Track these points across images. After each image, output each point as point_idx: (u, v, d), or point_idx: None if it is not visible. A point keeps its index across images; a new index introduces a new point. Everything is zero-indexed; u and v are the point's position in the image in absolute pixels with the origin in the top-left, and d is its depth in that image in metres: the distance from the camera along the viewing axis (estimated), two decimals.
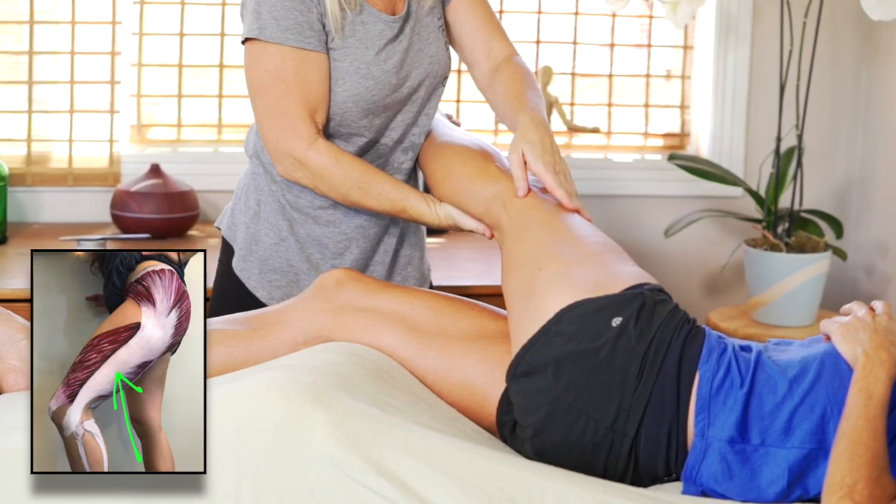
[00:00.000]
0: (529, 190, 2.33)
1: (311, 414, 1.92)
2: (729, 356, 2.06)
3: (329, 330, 2.26)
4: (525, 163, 2.34)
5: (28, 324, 2.28)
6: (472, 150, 2.47)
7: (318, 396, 1.95)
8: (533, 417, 2.08)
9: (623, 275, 2.16)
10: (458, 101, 3.99)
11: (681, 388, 2.04)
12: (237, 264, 2.57)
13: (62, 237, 3.46)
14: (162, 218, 3.54)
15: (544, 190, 2.36)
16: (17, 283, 3.14)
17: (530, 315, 2.13)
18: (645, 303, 2.09)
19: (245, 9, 2.41)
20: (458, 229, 2.45)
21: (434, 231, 3.61)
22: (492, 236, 2.40)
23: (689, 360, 2.06)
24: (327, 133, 2.46)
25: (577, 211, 2.32)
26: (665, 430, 2.04)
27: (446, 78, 2.56)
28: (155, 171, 3.62)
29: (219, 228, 2.67)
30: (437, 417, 2.12)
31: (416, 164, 2.60)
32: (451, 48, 2.58)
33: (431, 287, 2.76)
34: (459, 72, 3.94)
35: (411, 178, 2.60)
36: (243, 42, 2.42)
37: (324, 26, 2.38)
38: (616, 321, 2.07)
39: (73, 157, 3.76)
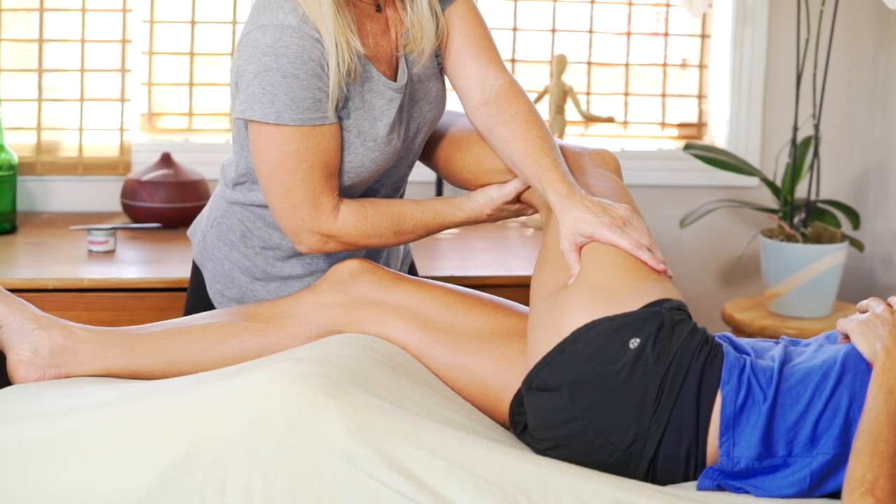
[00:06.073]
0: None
1: (324, 407, 1.91)
2: (748, 373, 2.02)
3: (342, 324, 2.24)
4: (579, 246, 2.16)
5: (42, 314, 2.26)
6: None
7: (330, 389, 1.93)
8: (547, 434, 2.06)
9: (645, 287, 2.10)
10: None
11: (700, 411, 2.01)
12: (214, 297, 2.50)
13: (72, 226, 3.45)
14: (173, 207, 3.52)
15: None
16: (27, 272, 3.12)
17: (548, 326, 2.09)
18: (663, 323, 2.04)
19: (246, 83, 2.21)
20: (499, 216, 2.34)
21: None
22: (534, 211, 2.35)
23: (709, 382, 2.02)
24: None
25: (665, 272, 2.15)
26: (684, 452, 2.01)
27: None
28: (166, 160, 3.60)
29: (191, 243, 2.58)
30: (453, 409, 2.11)
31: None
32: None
33: (413, 267, 2.73)
34: None
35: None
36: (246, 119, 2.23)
37: (337, 99, 2.24)
38: (634, 342, 2.03)
39: (84, 146, 3.75)
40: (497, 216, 2.37)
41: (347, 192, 2.33)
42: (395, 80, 2.31)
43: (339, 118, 2.26)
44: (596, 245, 2.14)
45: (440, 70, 2.39)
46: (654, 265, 2.13)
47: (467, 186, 2.40)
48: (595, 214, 2.14)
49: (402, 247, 2.63)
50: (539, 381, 2.06)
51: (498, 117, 2.30)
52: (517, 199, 2.34)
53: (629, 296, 2.07)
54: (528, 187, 2.31)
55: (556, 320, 2.08)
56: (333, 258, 2.44)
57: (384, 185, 2.41)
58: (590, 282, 2.10)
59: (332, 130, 2.24)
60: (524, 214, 2.38)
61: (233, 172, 2.42)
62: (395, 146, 2.32)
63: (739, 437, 1.98)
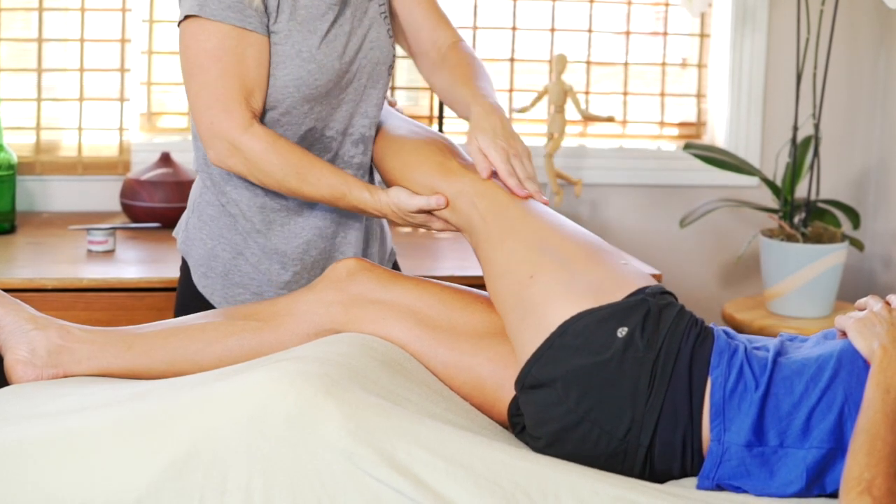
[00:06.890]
0: (494, 173, 2.27)
1: (323, 406, 1.90)
2: (740, 358, 2.02)
3: (340, 323, 2.24)
4: (481, 150, 2.28)
5: (38, 314, 2.26)
6: (430, 145, 2.38)
7: (329, 388, 1.93)
8: (544, 430, 2.05)
9: (623, 277, 2.11)
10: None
11: (693, 395, 2.01)
12: (199, 281, 2.51)
13: (71, 226, 3.45)
14: (172, 207, 3.52)
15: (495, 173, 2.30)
16: (26, 272, 3.12)
17: (531, 327, 2.09)
18: (650, 310, 2.05)
19: None
20: (404, 221, 2.35)
21: None
22: (446, 228, 2.34)
23: (699, 365, 2.03)
24: (267, 122, 2.38)
25: (529, 197, 2.25)
26: (680, 438, 2.01)
27: (391, 66, 2.49)
28: (165, 159, 3.60)
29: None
30: (452, 409, 2.10)
31: (372, 163, 2.51)
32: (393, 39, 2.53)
33: (396, 266, 2.72)
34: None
35: (365, 175, 2.51)
36: (180, 22, 2.34)
37: (266, 7, 2.32)
38: (622, 331, 2.03)
39: (83, 146, 3.75)
40: (402, 220, 2.35)
41: (293, 121, 2.38)
42: None
43: (272, 33, 2.33)
44: (537, 229, 2.19)
45: (386, 22, 2.48)
46: (518, 191, 2.25)
47: (391, 186, 2.41)
48: (499, 136, 2.30)
49: (385, 246, 2.63)
50: (532, 378, 2.06)
51: (446, 70, 2.48)
52: (425, 212, 2.32)
53: (610, 286, 2.08)
54: (440, 209, 2.30)
55: (538, 319, 2.08)
56: (317, 251, 2.46)
57: (330, 127, 2.43)
58: (563, 278, 2.10)
59: (252, 39, 2.31)
60: (427, 228, 2.36)
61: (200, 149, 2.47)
62: (334, 65, 2.37)
63: (730, 423, 1.98)
